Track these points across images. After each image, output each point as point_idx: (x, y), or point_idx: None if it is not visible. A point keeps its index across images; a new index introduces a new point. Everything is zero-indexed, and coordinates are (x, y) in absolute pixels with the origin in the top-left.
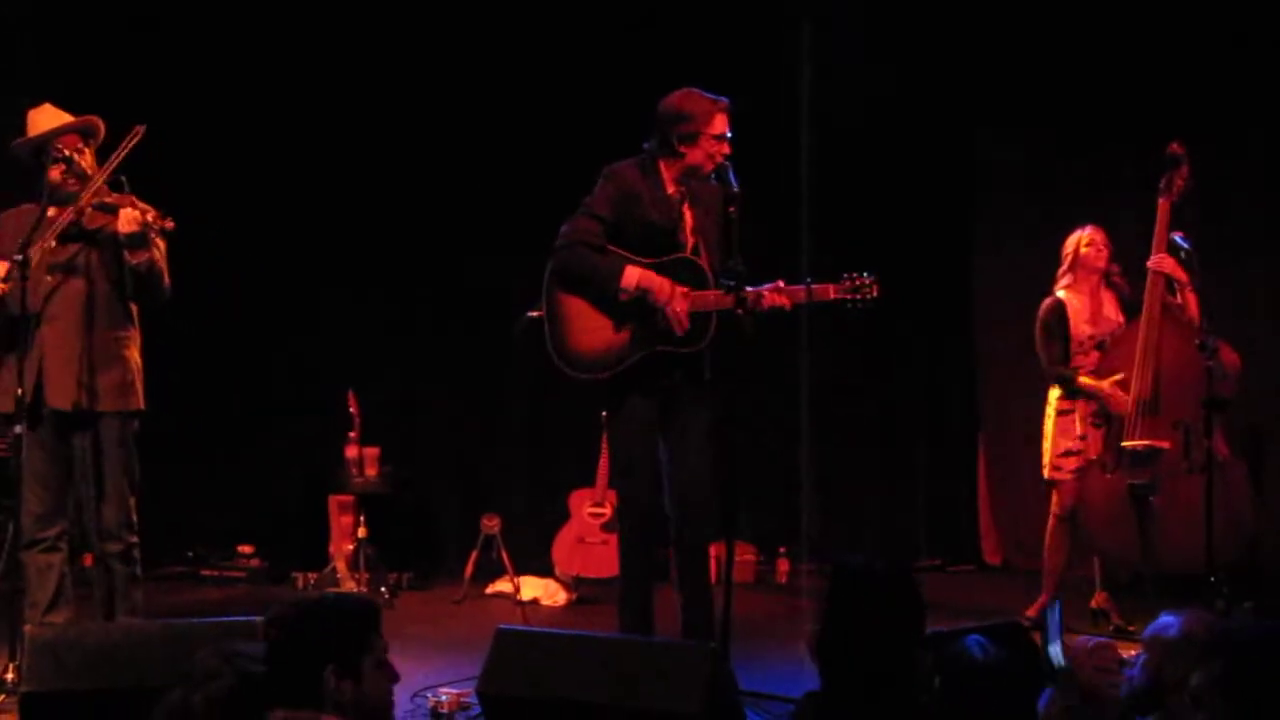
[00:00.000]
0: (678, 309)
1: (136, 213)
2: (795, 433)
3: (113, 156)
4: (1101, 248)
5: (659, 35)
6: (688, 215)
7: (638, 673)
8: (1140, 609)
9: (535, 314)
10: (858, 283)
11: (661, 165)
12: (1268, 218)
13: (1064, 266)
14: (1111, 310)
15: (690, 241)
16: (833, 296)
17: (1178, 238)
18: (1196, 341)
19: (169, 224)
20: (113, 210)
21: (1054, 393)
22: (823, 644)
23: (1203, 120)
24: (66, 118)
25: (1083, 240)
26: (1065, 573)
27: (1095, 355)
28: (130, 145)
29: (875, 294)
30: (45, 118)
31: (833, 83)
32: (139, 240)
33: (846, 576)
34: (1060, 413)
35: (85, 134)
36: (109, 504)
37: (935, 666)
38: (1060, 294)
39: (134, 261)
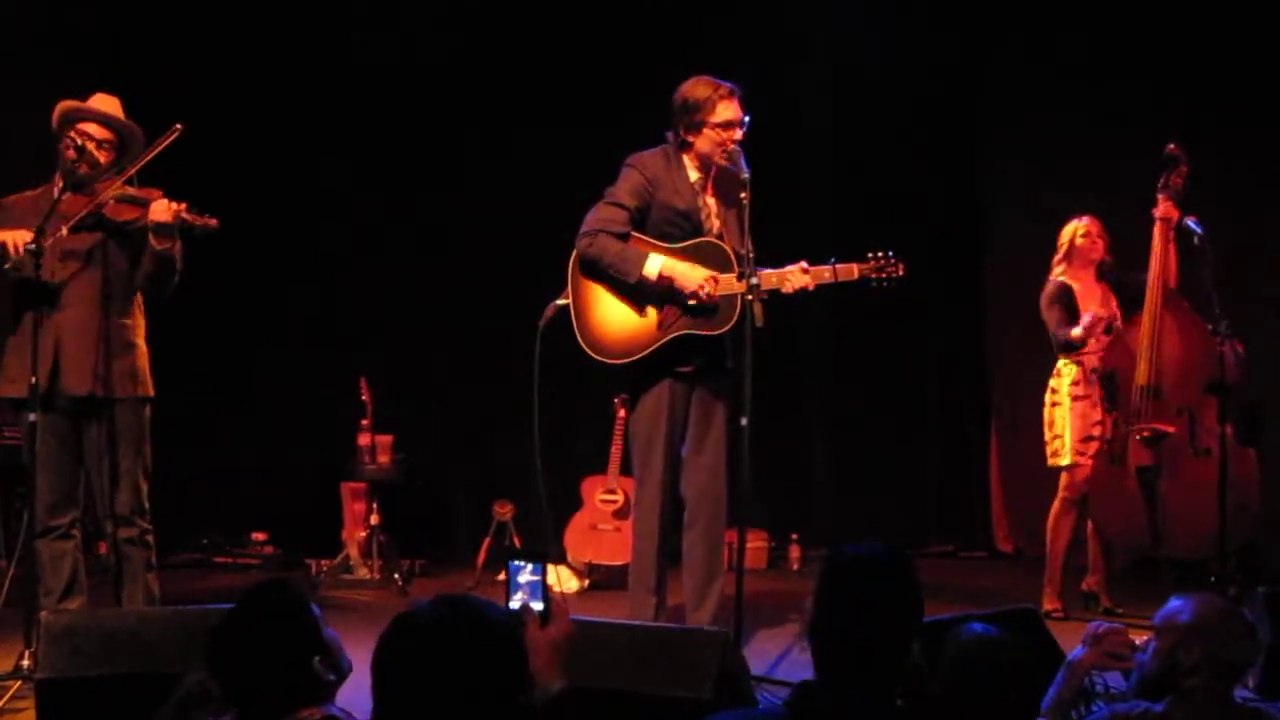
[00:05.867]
0: (709, 288)
1: (170, 204)
2: (808, 418)
3: (149, 150)
4: (1096, 239)
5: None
6: (711, 202)
7: (650, 659)
8: (1133, 593)
9: (562, 302)
10: (883, 260)
11: (684, 154)
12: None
13: (1059, 255)
14: (1108, 300)
15: (715, 227)
16: (858, 276)
17: (1190, 222)
18: (1209, 327)
19: (213, 222)
20: (139, 202)
21: (1064, 380)
22: (815, 632)
23: (1215, 103)
24: (114, 111)
25: (1079, 230)
26: (1068, 556)
27: (1105, 339)
28: (166, 143)
29: (901, 272)
30: (97, 101)
31: (843, 67)
32: (169, 230)
33: (839, 562)
34: (1076, 398)
35: (120, 140)
36: (122, 490)
37: (927, 655)
38: (1063, 278)
39: (160, 247)
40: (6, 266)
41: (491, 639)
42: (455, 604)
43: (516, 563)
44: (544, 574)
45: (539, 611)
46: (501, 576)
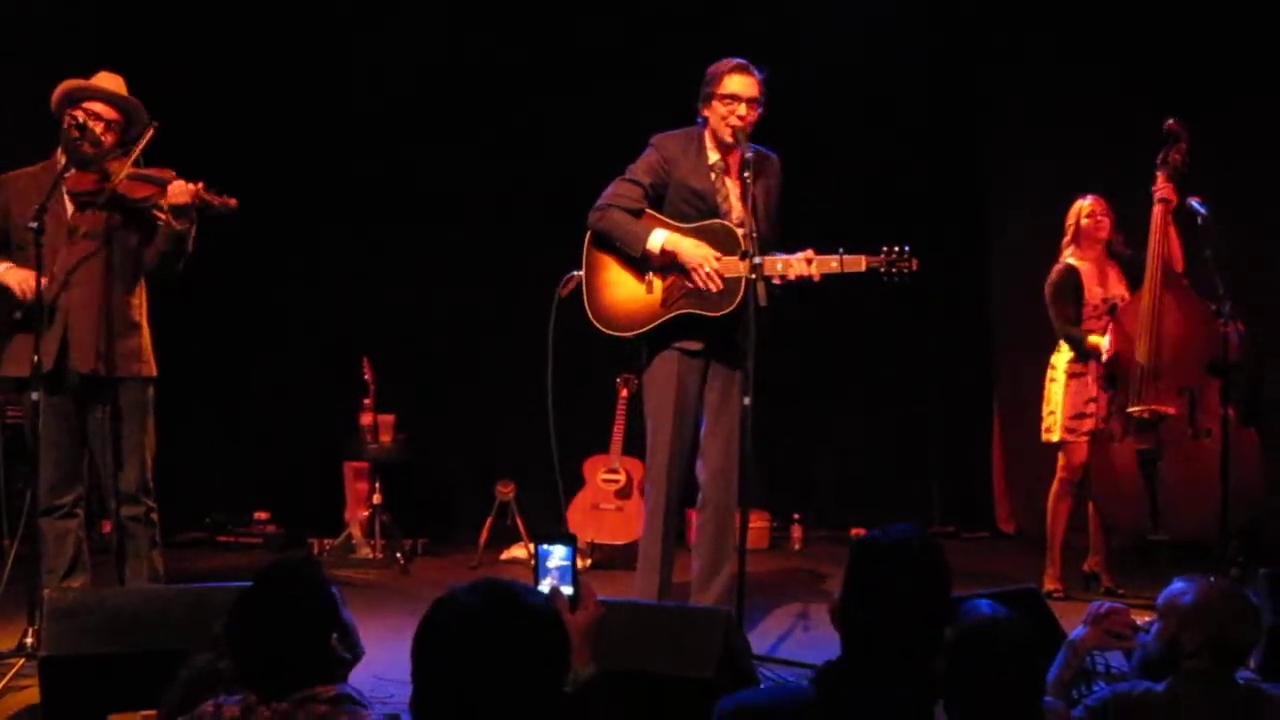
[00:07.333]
0: (710, 270)
1: (188, 184)
2: (810, 400)
3: (133, 151)
4: (1101, 218)
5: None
6: (730, 183)
7: (653, 638)
8: (1135, 574)
9: (580, 273)
10: (895, 255)
11: (705, 134)
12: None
13: (1067, 237)
14: (1116, 279)
15: (734, 209)
16: (865, 268)
17: (1194, 202)
18: (1213, 307)
19: (232, 201)
20: (155, 181)
21: (1063, 356)
22: (844, 615)
23: (1217, 83)
24: (118, 89)
25: (1083, 211)
26: (1067, 536)
27: (1108, 320)
28: (145, 142)
29: (915, 267)
30: (101, 79)
31: (842, 66)
32: (187, 210)
33: (870, 545)
34: (1072, 375)
35: (125, 121)
36: (127, 468)
37: (951, 636)
38: (1070, 261)
39: (179, 228)
40: (16, 315)
41: (534, 624)
42: (496, 588)
43: (546, 546)
44: (574, 558)
45: (569, 595)
46: (503, 555)
